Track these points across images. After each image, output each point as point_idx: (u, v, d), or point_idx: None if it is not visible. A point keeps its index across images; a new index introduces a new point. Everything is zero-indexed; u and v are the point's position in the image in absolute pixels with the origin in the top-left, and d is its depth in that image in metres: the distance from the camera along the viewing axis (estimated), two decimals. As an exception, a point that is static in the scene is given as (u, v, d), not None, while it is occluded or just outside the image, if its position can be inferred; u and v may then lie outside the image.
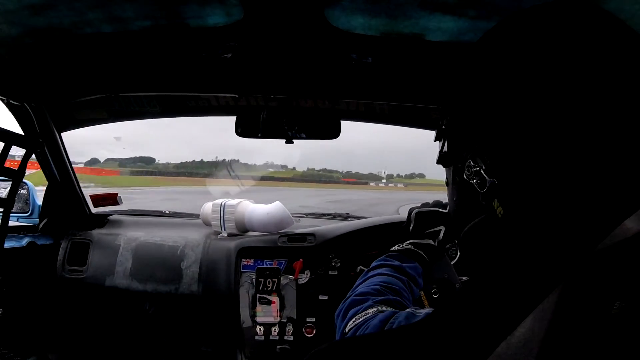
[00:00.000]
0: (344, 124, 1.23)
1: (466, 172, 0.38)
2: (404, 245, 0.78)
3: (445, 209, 0.81)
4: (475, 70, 0.38)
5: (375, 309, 0.56)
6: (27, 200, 1.46)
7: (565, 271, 0.29)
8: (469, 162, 0.37)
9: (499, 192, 0.35)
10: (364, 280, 0.69)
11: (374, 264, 0.74)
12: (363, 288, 0.64)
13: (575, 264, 0.29)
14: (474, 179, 0.37)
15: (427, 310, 0.49)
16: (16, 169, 1.07)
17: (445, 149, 0.42)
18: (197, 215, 1.51)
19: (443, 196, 0.61)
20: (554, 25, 0.34)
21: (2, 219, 1.05)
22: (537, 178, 0.33)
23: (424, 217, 0.81)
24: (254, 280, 1.25)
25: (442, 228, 0.80)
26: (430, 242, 0.79)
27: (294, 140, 1.22)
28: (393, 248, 0.78)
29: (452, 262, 1.00)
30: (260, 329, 1.24)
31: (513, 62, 0.35)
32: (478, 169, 0.36)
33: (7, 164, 1.02)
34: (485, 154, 0.36)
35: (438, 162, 0.44)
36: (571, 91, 0.32)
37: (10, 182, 1.07)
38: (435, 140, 0.46)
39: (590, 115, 0.31)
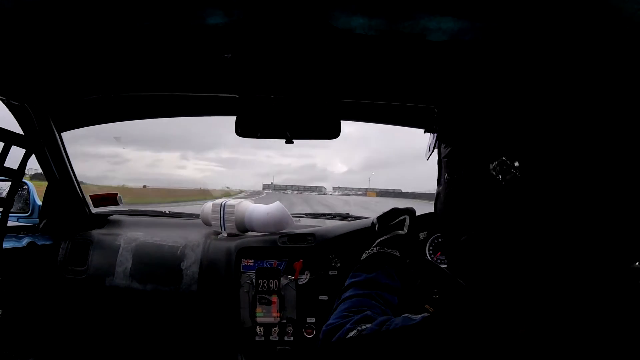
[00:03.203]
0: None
1: (496, 170, 0.36)
2: (371, 249, 0.78)
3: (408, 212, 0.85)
4: (489, 72, 0.38)
5: (356, 330, 0.54)
6: (27, 200, 1.46)
7: (568, 274, 0.29)
8: (495, 163, 0.36)
9: (527, 190, 0.34)
10: (336, 306, 0.68)
11: (347, 282, 0.73)
12: (333, 320, 0.63)
13: (580, 267, 0.29)
14: (504, 176, 0.36)
15: (423, 315, 0.48)
16: (15, 169, 1.07)
17: (447, 149, 0.41)
18: (197, 216, 1.51)
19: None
20: (556, 25, 0.34)
21: (1, 219, 1.05)
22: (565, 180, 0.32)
23: (384, 216, 0.86)
24: (254, 280, 1.25)
25: (406, 217, 0.83)
26: (399, 232, 0.80)
27: (293, 140, 1.22)
28: (362, 257, 0.78)
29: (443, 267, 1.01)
30: (260, 329, 1.24)
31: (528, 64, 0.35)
32: (506, 168, 0.36)
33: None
34: (511, 153, 0.35)
35: (445, 160, 0.43)
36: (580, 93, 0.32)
37: (10, 183, 1.07)
38: (439, 142, 0.45)
39: (594, 113, 0.31)
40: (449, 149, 0.41)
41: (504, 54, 0.35)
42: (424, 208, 1.16)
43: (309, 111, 1.22)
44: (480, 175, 0.38)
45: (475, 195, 0.39)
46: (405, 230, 0.80)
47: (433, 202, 0.45)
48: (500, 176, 0.36)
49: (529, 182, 0.34)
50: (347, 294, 0.69)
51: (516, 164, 0.35)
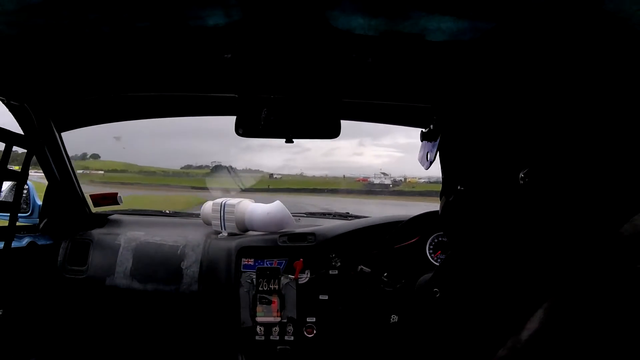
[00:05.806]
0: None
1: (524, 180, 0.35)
2: None
3: None
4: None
5: None
6: (27, 200, 1.46)
7: (575, 266, 0.29)
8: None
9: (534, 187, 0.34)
10: None
11: None
12: None
13: (585, 257, 0.29)
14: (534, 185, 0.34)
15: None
16: (19, 170, 1.07)
17: (455, 158, 0.41)
18: (197, 215, 1.51)
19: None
20: (555, 25, 0.34)
21: (10, 222, 1.06)
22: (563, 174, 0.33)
23: None
24: (254, 280, 1.25)
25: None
26: None
27: (294, 140, 1.22)
28: None
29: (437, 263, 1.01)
30: (260, 329, 1.24)
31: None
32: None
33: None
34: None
35: (454, 169, 0.42)
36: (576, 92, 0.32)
37: (10, 184, 1.07)
38: (441, 149, 0.44)
39: (593, 114, 0.32)
40: (458, 157, 0.41)
41: (504, 53, 0.35)
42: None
43: (309, 111, 1.22)
44: (507, 186, 0.36)
45: (501, 206, 0.37)
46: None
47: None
48: (530, 185, 0.34)
49: (559, 190, 0.33)
50: None
51: (545, 171, 0.33)
